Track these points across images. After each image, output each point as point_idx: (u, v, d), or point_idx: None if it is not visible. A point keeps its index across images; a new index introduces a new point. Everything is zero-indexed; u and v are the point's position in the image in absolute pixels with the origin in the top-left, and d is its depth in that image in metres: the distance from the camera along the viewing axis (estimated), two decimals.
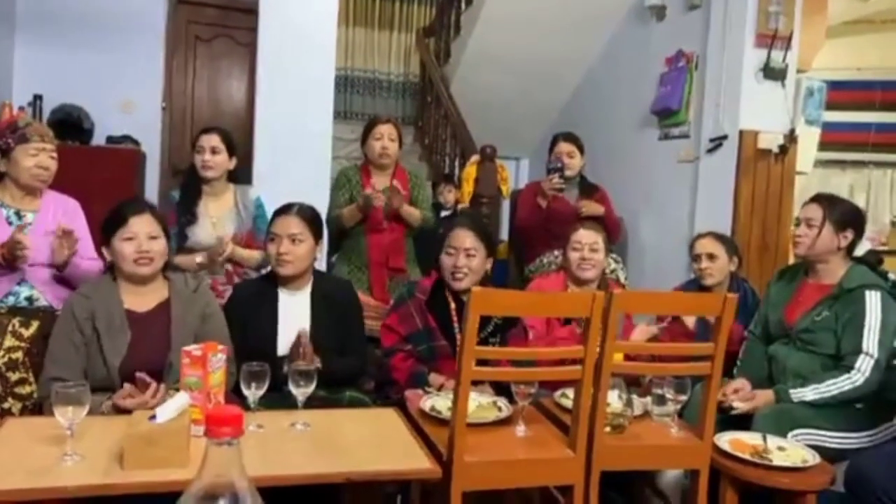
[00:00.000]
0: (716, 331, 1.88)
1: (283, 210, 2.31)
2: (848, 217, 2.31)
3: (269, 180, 3.31)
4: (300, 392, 1.79)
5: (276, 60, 3.70)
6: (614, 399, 1.94)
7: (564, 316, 2.35)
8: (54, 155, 2.39)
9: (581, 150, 3.49)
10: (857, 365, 2.14)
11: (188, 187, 2.82)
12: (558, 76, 5.45)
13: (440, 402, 2.01)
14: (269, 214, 2.88)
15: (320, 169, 3.62)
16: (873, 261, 2.39)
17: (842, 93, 5.62)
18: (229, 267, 2.77)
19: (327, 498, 1.73)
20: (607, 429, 1.88)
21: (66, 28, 4.48)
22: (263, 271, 2.89)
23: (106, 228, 2.04)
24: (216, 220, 2.76)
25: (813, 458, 1.89)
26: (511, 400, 2.02)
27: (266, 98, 3.65)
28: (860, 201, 6.20)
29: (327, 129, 3.69)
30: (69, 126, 4.24)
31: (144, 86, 4.55)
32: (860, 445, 2.07)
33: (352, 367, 2.26)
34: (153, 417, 1.55)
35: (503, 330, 2.38)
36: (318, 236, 2.31)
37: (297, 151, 3.58)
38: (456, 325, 2.35)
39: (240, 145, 2.96)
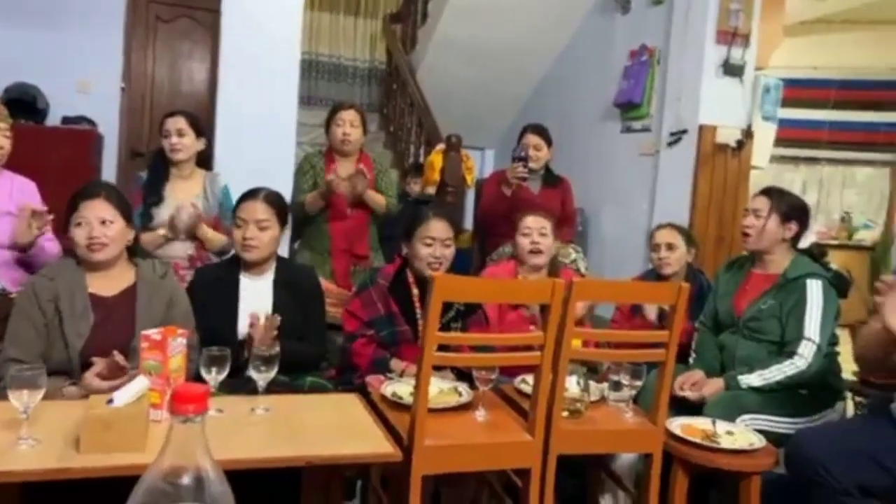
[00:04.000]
0: (670, 319, 1.94)
1: (250, 195, 2.30)
2: (793, 210, 2.40)
3: (231, 166, 3.27)
4: (261, 377, 1.79)
5: (239, 44, 3.64)
6: (572, 385, 1.99)
7: (525, 303, 2.39)
8: (8, 134, 2.33)
9: (549, 142, 3.53)
10: (799, 350, 2.23)
11: (156, 169, 2.80)
12: (524, 67, 5.49)
13: (401, 388, 2.02)
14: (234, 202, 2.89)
15: (284, 155, 3.58)
16: (816, 252, 2.49)
17: (798, 90, 5.78)
18: (192, 251, 2.75)
19: (288, 483, 1.74)
20: (565, 413, 1.93)
21: (22, 4, 4.34)
22: (225, 257, 2.88)
23: (66, 214, 2.01)
24: (183, 202, 2.73)
25: (759, 442, 1.97)
26: (472, 385, 2.05)
27: (229, 82, 3.59)
28: (812, 197, 6.41)
29: (291, 115, 3.65)
30: (23, 105, 4.13)
31: (102, 66, 4.44)
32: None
33: (310, 353, 2.27)
34: (111, 401, 1.54)
35: (465, 316, 2.41)
36: (283, 223, 2.32)
37: (261, 137, 3.53)
38: (418, 310, 2.37)
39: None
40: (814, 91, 6.40)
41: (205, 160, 2.95)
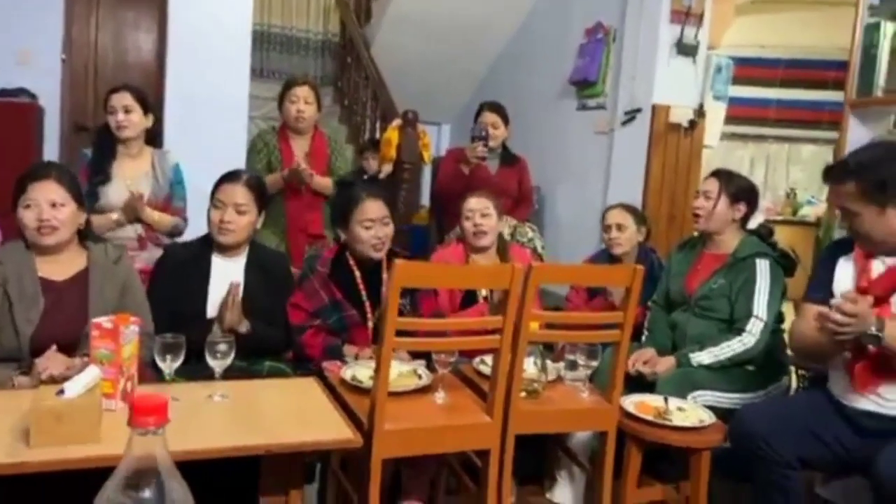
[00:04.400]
0: (625, 300, 1.98)
1: (230, 178, 2.27)
2: (742, 191, 2.47)
3: (182, 142, 3.18)
4: (218, 364, 1.77)
5: (187, 14, 3.53)
6: (530, 365, 2.02)
7: (485, 288, 2.41)
8: None
9: (506, 120, 3.53)
10: (748, 328, 2.31)
11: (101, 146, 2.70)
12: (481, 42, 5.46)
13: (360, 371, 2.02)
14: (187, 180, 2.82)
15: (237, 130, 3.51)
16: (764, 233, 2.57)
17: (746, 69, 5.89)
18: (141, 232, 2.67)
19: (247, 470, 1.72)
20: (522, 394, 1.96)
21: None
22: (178, 239, 2.81)
23: (14, 194, 1.93)
24: (131, 181, 2.65)
25: (709, 419, 2.04)
26: (429, 366, 2.06)
27: (177, 54, 3.49)
28: (759, 174, 6.58)
29: (243, 89, 3.57)
30: None
31: (42, 35, 4.22)
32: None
33: (278, 337, 2.26)
34: (61, 392, 1.50)
35: (412, 291, 2.40)
36: (261, 208, 2.29)
37: (212, 111, 3.45)
38: (363, 293, 2.34)
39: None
40: (761, 70, 6.53)
41: (153, 137, 2.86)
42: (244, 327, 2.08)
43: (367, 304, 2.31)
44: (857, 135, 3.00)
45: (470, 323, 1.84)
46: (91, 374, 1.54)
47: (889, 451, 1.65)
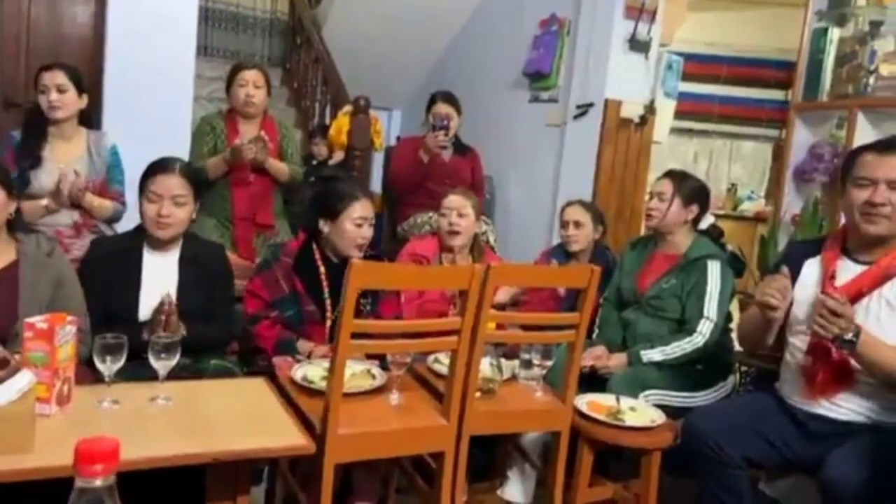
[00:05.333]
0: (581, 301, 1.97)
1: (164, 168, 2.10)
2: (695, 193, 2.50)
3: (122, 124, 3.02)
4: (162, 365, 1.68)
5: None
6: (485, 365, 2.00)
7: (444, 289, 2.38)
8: None
9: (458, 111, 3.49)
10: (699, 328, 2.34)
11: (31, 128, 2.53)
12: (434, 28, 5.38)
13: (312, 371, 1.96)
14: (125, 163, 2.68)
15: (181, 112, 3.35)
16: (715, 234, 2.61)
17: (692, 65, 5.98)
18: (78, 218, 2.53)
19: (192, 475, 1.65)
20: (478, 394, 1.93)
21: None
22: (117, 225, 2.68)
23: None
24: (65, 165, 2.50)
25: (660, 418, 2.06)
26: (383, 364, 2.02)
27: (118, 26, 3.29)
28: (702, 168, 6.73)
29: (188, 69, 3.41)
30: None
31: None
32: (700, 403, 2.28)
33: (218, 335, 2.16)
34: None
35: (374, 293, 2.36)
36: (196, 197, 2.16)
37: (155, 91, 3.28)
38: (326, 289, 2.28)
39: (86, 80, 2.67)
40: (707, 66, 6.66)
41: (88, 118, 2.70)
42: (178, 336, 1.95)
43: (328, 301, 2.25)
44: (802, 136, 3.09)
45: (427, 325, 1.80)
46: (23, 380, 1.44)
47: (837, 455, 1.70)
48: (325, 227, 2.25)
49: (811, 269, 1.96)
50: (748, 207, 6.48)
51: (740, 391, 2.57)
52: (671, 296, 2.40)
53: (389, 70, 5.56)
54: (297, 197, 3.57)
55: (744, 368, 2.85)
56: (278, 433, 1.60)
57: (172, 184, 2.07)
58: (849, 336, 1.69)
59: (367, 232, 2.25)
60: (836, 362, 1.79)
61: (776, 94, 6.59)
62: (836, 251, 1.92)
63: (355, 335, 1.64)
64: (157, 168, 2.11)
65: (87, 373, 1.80)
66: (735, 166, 6.81)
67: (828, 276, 1.87)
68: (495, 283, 1.79)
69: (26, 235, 1.91)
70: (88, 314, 1.95)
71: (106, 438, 0.62)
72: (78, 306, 1.90)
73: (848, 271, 1.87)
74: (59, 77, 2.48)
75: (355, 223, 2.22)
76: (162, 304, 1.95)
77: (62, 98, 2.49)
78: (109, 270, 2.05)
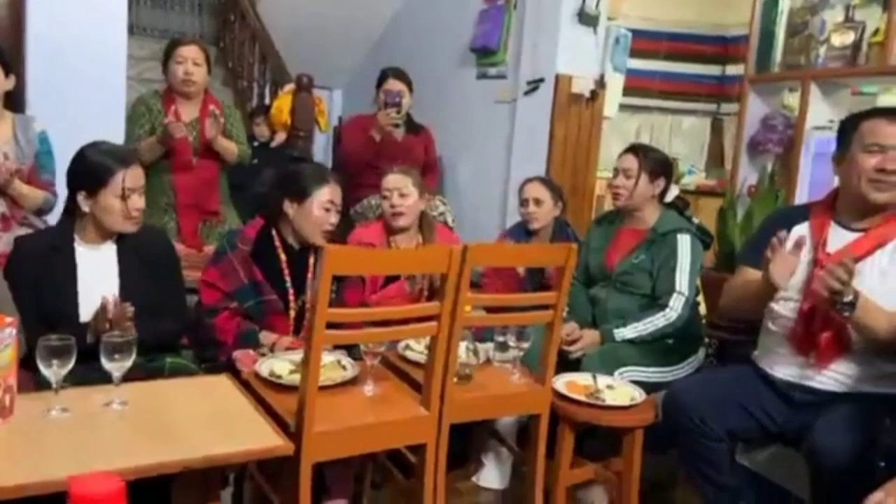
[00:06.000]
0: (558, 279, 1.91)
1: (124, 161, 1.90)
2: (659, 166, 2.47)
3: (48, 106, 2.77)
4: (116, 366, 1.52)
5: None
6: (462, 350, 1.91)
7: (423, 272, 2.27)
8: None
9: (410, 88, 3.37)
10: (671, 303, 2.32)
11: None
12: (375, 3, 5.21)
13: (278, 365, 1.84)
14: (54, 149, 2.47)
15: (114, 92, 3.11)
16: (681, 206, 2.60)
17: (635, 41, 6.01)
18: (6, 210, 2.30)
19: (156, 483, 1.51)
20: (455, 380, 1.85)
21: None
22: (45, 217, 2.46)
23: None
24: None
25: (639, 396, 2.03)
26: (351, 353, 1.92)
27: (39, 4, 3.02)
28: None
29: (120, 45, 3.16)
30: None
31: None
32: (673, 378, 2.27)
33: (171, 330, 1.99)
34: None
35: (339, 280, 2.24)
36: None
37: (84, 71, 3.02)
38: (287, 278, 2.14)
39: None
40: (647, 42, 6.69)
41: (13, 101, 2.46)
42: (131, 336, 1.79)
43: (291, 290, 2.11)
44: (755, 108, 3.11)
45: (407, 311, 1.70)
46: None
47: (823, 423, 1.70)
48: (290, 208, 2.10)
49: (798, 235, 1.93)
50: (689, 181, 6.57)
51: (707, 363, 2.57)
52: (641, 271, 2.37)
53: (329, 48, 5.36)
54: (257, 180, 3.40)
55: (706, 340, 2.86)
56: (251, 434, 1.48)
57: (139, 174, 1.90)
58: (848, 298, 1.65)
59: (334, 218, 2.12)
60: (835, 327, 1.77)
61: (713, 69, 6.70)
62: (827, 217, 1.90)
63: (329, 325, 1.53)
64: (119, 161, 1.89)
65: (28, 377, 1.63)
66: (675, 141, 6.89)
67: (820, 244, 1.85)
68: (473, 262, 1.70)
69: None
70: (19, 314, 1.76)
71: (104, 476, 0.50)
72: (7, 305, 1.70)
73: (838, 238, 1.86)
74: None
75: (324, 207, 2.09)
76: (104, 307, 1.77)
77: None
78: (39, 269, 1.85)
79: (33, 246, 1.92)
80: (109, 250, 1.95)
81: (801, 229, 1.92)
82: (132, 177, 1.89)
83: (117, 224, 1.89)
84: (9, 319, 1.42)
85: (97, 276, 1.89)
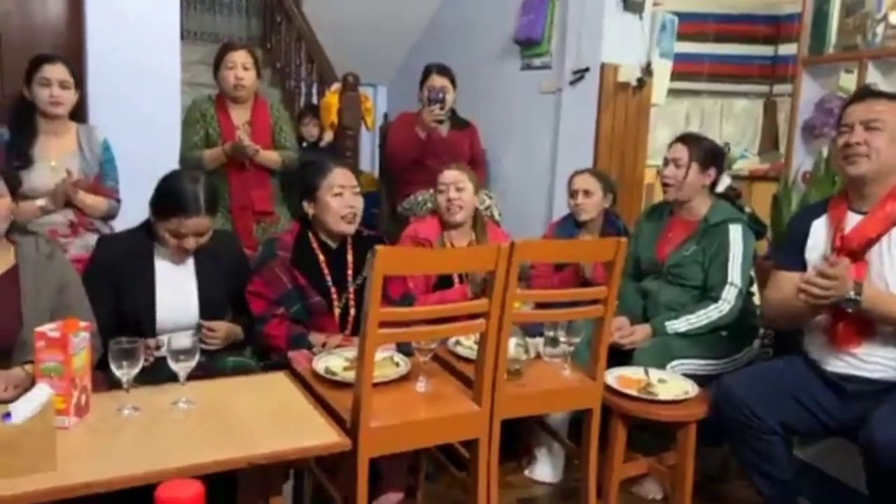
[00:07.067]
0: (609, 274, 1.91)
1: (189, 210, 1.93)
2: (710, 155, 2.42)
3: (108, 116, 2.90)
4: (181, 367, 1.60)
5: None
6: (511, 345, 1.93)
7: (470, 271, 2.30)
8: None
9: (454, 83, 3.39)
10: (723, 295, 2.29)
11: (22, 125, 2.40)
12: None
13: (333, 362, 1.90)
14: (116, 156, 2.58)
15: (168, 100, 3.23)
16: (732, 195, 2.55)
17: (682, 24, 5.89)
18: (73, 217, 2.42)
19: (219, 477, 1.58)
20: (505, 376, 1.87)
21: None
22: (111, 222, 2.58)
23: None
24: (56, 163, 2.38)
25: (692, 389, 2.02)
26: (403, 350, 1.96)
27: (96, 14, 3.15)
28: (694, 129, 6.65)
29: (174, 55, 3.27)
30: None
31: None
32: (727, 370, 2.24)
33: (248, 327, 2.11)
34: (7, 416, 1.31)
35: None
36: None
37: (140, 80, 3.15)
38: (328, 277, 2.20)
39: None
40: (695, 25, 6.54)
41: (76, 111, 2.58)
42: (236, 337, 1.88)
43: (333, 289, 2.17)
44: (810, 91, 3.03)
45: (455, 308, 1.73)
46: (41, 394, 1.36)
47: (878, 415, 1.67)
48: (310, 209, 2.18)
49: (818, 229, 1.96)
50: (742, 166, 6.42)
51: (763, 354, 2.53)
52: (693, 263, 2.34)
53: (373, 45, 5.41)
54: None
55: (762, 331, 2.81)
56: (310, 431, 1.53)
57: (200, 224, 1.97)
58: (850, 295, 1.72)
59: (352, 200, 2.16)
60: (855, 316, 1.79)
61: (765, 50, 6.50)
62: (843, 207, 1.93)
63: (382, 324, 1.57)
64: (184, 211, 1.94)
65: (101, 378, 1.72)
66: (727, 125, 6.73)
67: (837, 230, 1.88)
68: (520, 259, 1.72)
69: (23, 237, 1.81)
70: (96, 317, 1.86)
71: (189, 481, 0.55)
72: (84, 309, 1.81)
73: (853, 224, 1.88)
74: (62, 72, 2.38)
75: (334, 192, 2.14)
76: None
77: (64, 94, 2.39)
78: (122, 273, 1.95)
79: (116, 247, 2.02)
80: (187, 258, 2.04)
81: (821, 223, 1.96)
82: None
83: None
84: (83, 325, 1.51)
85: (176, 283, 2.00)
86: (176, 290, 1.99)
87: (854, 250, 1.84)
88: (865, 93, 1.96)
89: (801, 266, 1.94)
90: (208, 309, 2.01)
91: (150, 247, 2.01)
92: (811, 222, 1.99)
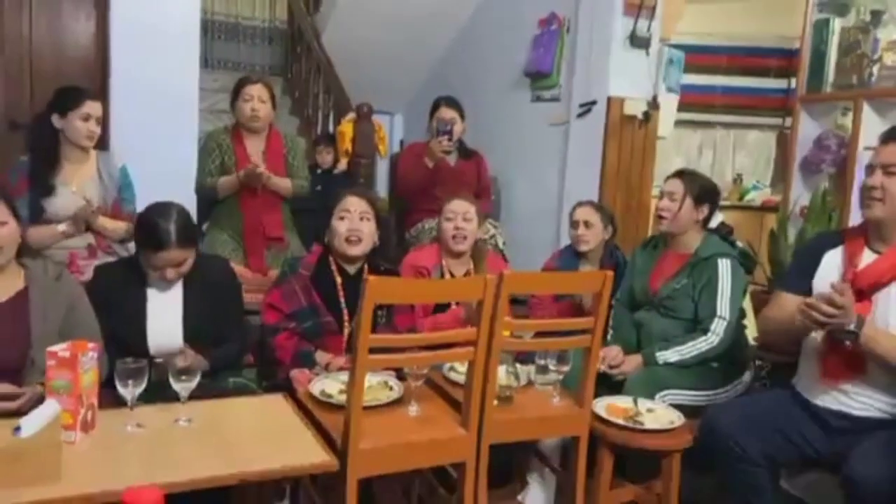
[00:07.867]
0: (595, 305, 1.98)
1: (161, 244, 1.98)
2: (705, 192, 2.49)
3: (128, 141, 3.04)
4: (182, 387, 1.69)
5: (131, 4, 3.37)
6: (502, 373, 2.00)
7: (458, 300, 2.38)
8: None
9: (462, 115, 3.50)
10: (712, 328, 2.34)
11: (44, 153, 2.52)
12: (433, 30, 5.38)
13: (330, 385, 1.98)
14: (134, 180, 2.70)
15: (187, 127, 3.36)
16: (725, 232, 2.61)
17: (692, 56, 5.95)
18: (92, 241, 2.54)
19: (214, 494, 1.66)
20: (495, 402, 1.94)
21: None
22: (127, 244, 2.70)
23: None
24: (77, 189, 2.52)
25: (679, 419, 2.07)
26: (399, 374, 2.03)
27: (121, 43, 3.31)
28: (707, 159, 6.70)
29: (193, 81, 3.41)
30: None
31: None
32: (717, 401, 2.28)
33: (234, 353, 2.18)
34: (17, 429, 1.41)
35: (389, 305, 2.37)
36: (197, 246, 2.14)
37: (160, 107, 3.29)
38: (342, 300, 2.30)
39: None
40: (708, 57, 6.62)
41: (98, 139, 2.72)
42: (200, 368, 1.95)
43: (345, 311, 2.27)
44: (807, 127, 3.09)
45: (443, 336, 1.81)
46: (49, 409, 1.46)
47: (859, 452, 1.70)
48: (327, 234, 2.32)
49: (831, 259, 1.95)
50: (754, 197, 6.45)
51: (756, 386, 2.56)
52: (684, 295, 2.40)
53: (390, 74, 5.56)
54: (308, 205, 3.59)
55: (758, 363, 2.84)
56: (301, 450, 1.61)
57: (172, 257, 2.01)
58: (850, 327, 1.71)
59: (355, 224, 2.26)
60: (847, 351, 1.80)
61: (778, 83, 6.56)
62: (861, 242, 1.92)
63: (373, 349, 1.66)
64: (156, 246, 1.98)
65: (106, 394, 1.81)
66: (739, 156, 6.77)
67: (851, 265, 1.88)
68: (509, 290, 1.79)
69: (33, 261, 1.91)
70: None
71: (149, 489, 0.64)
72: (91, 329, 1.90)
73: (871, 257, 1.88)
74: (100, 109, 2.57)
75: (339, 216, 2.28)
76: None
77: (98, 129, 2.58)
78: (114, 299, 2.04)
79: (110, 275, 2.12)
80: (176, 285, 2.11)
81: (835, 254, 1.95)
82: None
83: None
84: (91, 345, 1.61)
85: (165, 309, 2.08)
86: (164, 315, 2.07)
87: (862, 289, 1.84)
88: (891, 135, 1.90)
89: (806, 291, 1.93)
90: (193, 334, 2.07)
91: (143, 274, 2.09)
92: (824, 252, 1.98)
